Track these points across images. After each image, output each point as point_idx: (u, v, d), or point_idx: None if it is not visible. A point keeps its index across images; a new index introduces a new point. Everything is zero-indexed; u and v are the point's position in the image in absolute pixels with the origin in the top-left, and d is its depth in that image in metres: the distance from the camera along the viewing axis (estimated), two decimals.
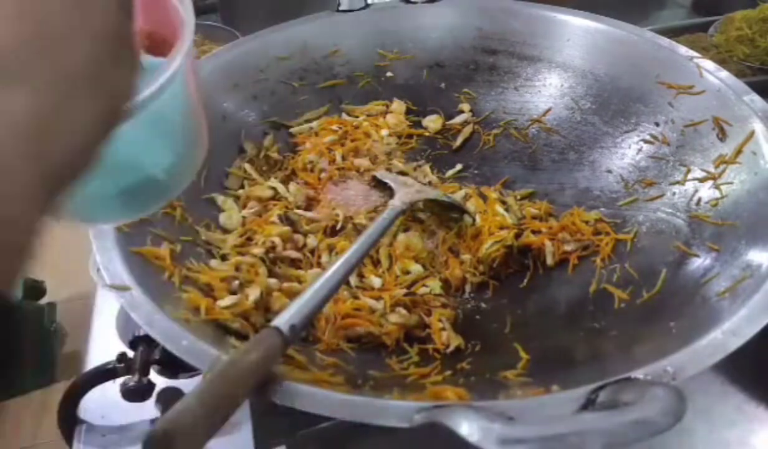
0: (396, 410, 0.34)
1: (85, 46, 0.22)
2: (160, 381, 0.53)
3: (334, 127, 0.71)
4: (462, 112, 0.75)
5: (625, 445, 0.28)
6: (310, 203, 0.65)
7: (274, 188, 0.64)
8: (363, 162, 0.68)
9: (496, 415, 0.30)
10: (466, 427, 0.29)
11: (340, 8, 0.76)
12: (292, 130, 0.72)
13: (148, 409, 0.54)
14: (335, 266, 0.46)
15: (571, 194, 0.65)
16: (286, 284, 0.54)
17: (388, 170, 0.68)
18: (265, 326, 0.40)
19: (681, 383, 0.35)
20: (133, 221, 0.48)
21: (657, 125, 0.63)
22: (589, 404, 0.33)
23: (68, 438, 0.54)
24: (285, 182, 0.66)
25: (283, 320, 0.39)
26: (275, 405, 0.36)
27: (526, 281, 0.58)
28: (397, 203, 0.58)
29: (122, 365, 0.52)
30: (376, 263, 0.59)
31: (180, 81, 0.30)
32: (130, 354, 0.52)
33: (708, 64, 0.61)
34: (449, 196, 0.64)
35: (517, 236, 0.60)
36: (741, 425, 0.52)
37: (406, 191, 0.60)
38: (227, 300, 0.49)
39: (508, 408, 0.32)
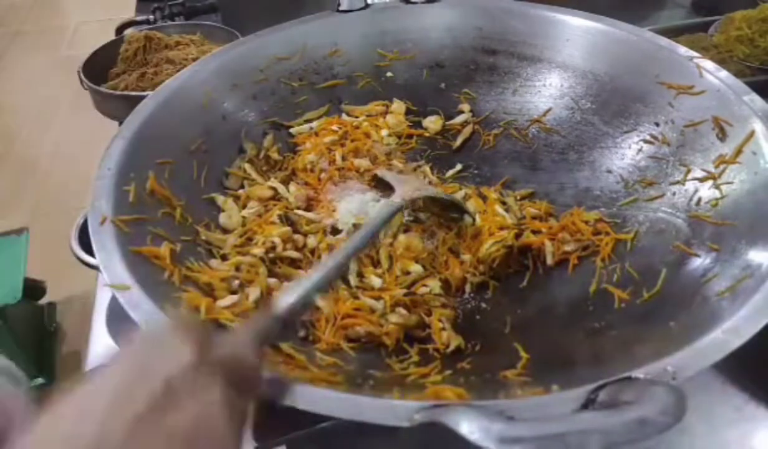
0: (396, 409, 0.34)
1: None
2: None
3: (334, 127, 0.71)
4: (462, 112, 0.75)
5: (624, 445, 0.28)
6: (310, 203, 0.65)
7: (274, 188, 0.64)
8: (363, 162, 0.68)
9: (495, 414, 0.30)
10: (466, 426, 0.29)
11: (340, 8, 0.76)
12: (292, 130, 0.72)
13: None
14: (332, 256, 0.46)
15: (571, 194, 0.65)
16: (286, 284, 0.54)
17: (389, 169, 0.68)
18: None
19: (681, 382, 0.35)
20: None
21: (657, 125, 0.63)
22: (589, 403, 0.33)
23: None
24: (285, 182, 0.66)
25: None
26: (275, 405, 0.36)
27: (526, 281, 0.58)
28: (397, 199, 0.58)
29: None
30: (376, 263, 0.59)
31: None
32: None
33: (708, 64, 0.61)
34: (450, 195, 0.64)
35: (517, 236, 0.60)
36: (741, 425, 0.52)
37: (407, 189, 0.60)
38: (227, 300, 0.49)
39: (507, 408, 0.32)
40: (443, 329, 0.52)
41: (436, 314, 0.53)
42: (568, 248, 0.58)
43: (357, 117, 0.73)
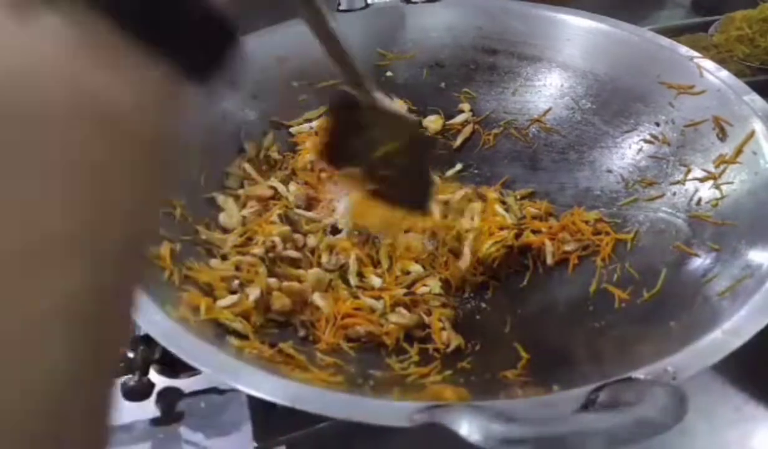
0: (396, 410, 0.34)
1: None
2: (160, 381, 0.53)
3: None
4: (462, 111, 0.75)
5: (625, 445, 0.28)
6: (310, 203, 0.65)
7: (273, 188, 0.64)
8: None
9: (496, 415, 0.30)
10: (466, 427, 0.29)
11: (340, 8, 0.76)
12: (292, 129, 0.71)
13: (148, 409, 0.54)
14: None
15: (571, 193, 0.65)
16: (286, 284, 0.54)
17: None
18: None
19: (681, 382, 0.35)
20: None
21: (657, 124, 0.63)
22: (589, 404, 0.33)
23: None
24: (285, 181, 0.66)
25: None
26: (275, 405, 0.36)
27: (526, 281, 0.58)
28: None
29: (122, 364, 0.52)
30: (376, 263, 0.59)
31: None
32: (130, 353, 0.52)
33: (708, 64, 0.61)
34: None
35: (517, 236, 0.60)
36: (741, 425, 0.52)
37: None
38: (227, 300, 0.49)
39: (508, 408, 0.32)
40: (443, 329, 0.52)
41: (436, 314, 0.53)
42: (568, 248, 0.58)
43: None
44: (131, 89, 0.19)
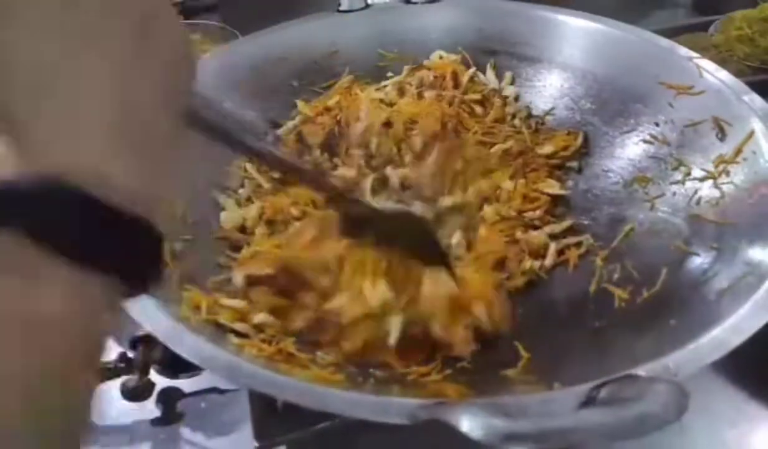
0: (397, 407, 0.34)
1: None
2: (160, 381, 0.53)
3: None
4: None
5: (627, 439, 0.28)
6: None
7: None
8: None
9: (497, 411, 0.30)
10: (467, 424, 0.29)
11: (340, 8, 0.76)
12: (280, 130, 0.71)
13: (148, 409, 0.54)
14: None
15: (570, 194, 0.65)
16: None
17: None
18: None
19: (682, 380, 0.35)
20: None
21: (657, 125, 0.63)
22: (590, 401, 0.33)
23: None
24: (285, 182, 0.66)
25: None
26: (275, 405, 0.36)
27: (525, 280, 0.58)
28: None
29: (122, 365, 0.52)
30: None
31: None
32: (130, 353, 0.52)
33: (708, 65, 0.61)
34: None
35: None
36: (741, 425, 0.52)
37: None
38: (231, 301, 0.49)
39: (509, 405, 0.32)
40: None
41: None
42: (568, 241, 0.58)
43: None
44: (63, 302, 0.20)
